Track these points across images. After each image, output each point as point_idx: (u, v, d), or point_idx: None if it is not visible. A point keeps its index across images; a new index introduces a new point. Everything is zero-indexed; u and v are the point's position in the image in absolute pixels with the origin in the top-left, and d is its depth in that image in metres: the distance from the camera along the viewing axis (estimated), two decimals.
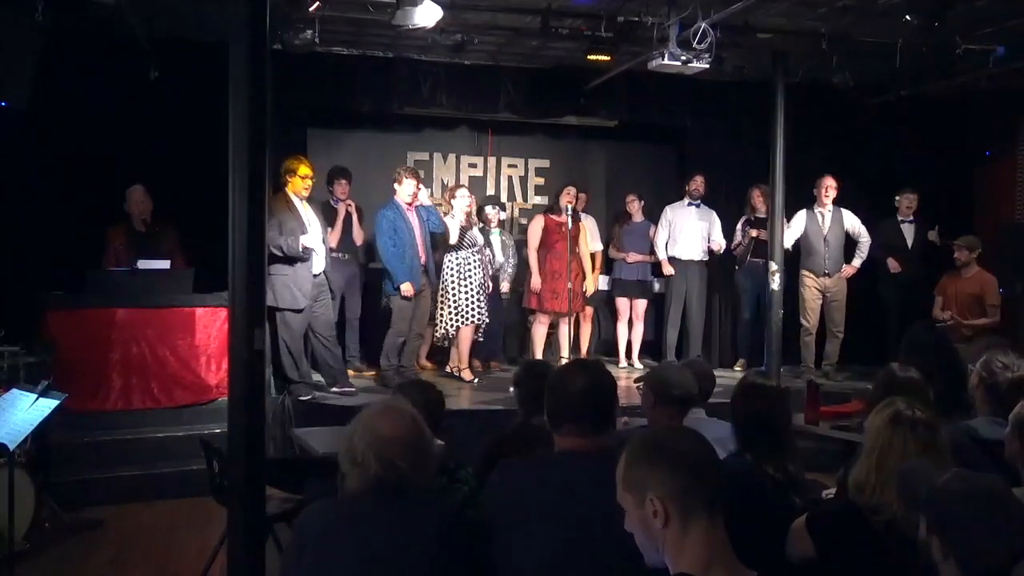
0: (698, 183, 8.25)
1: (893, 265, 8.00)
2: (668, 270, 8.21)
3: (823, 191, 7.82)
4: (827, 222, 7.84)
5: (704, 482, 1.76)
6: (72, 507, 5.23)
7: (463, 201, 7.34)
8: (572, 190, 7.83)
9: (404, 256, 6.84)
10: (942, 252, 7.72)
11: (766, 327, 7.48)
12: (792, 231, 7.77)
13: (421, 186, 7.16)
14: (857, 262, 7.94)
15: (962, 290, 7.12)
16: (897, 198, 8.08)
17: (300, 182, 6.55)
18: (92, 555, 4.81)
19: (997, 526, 1.79)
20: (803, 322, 7.90)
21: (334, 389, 6.71)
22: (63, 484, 5.39)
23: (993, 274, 7.20)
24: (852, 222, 7.90)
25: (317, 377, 6.89)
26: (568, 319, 7.48)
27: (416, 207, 7.02)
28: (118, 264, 6.52)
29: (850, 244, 7.99)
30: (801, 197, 7.92)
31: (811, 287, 7.88)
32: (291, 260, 6.41)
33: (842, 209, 7.89)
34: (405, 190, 6.97)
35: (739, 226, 8.35)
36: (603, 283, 8.47)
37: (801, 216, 7.85)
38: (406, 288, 6.80)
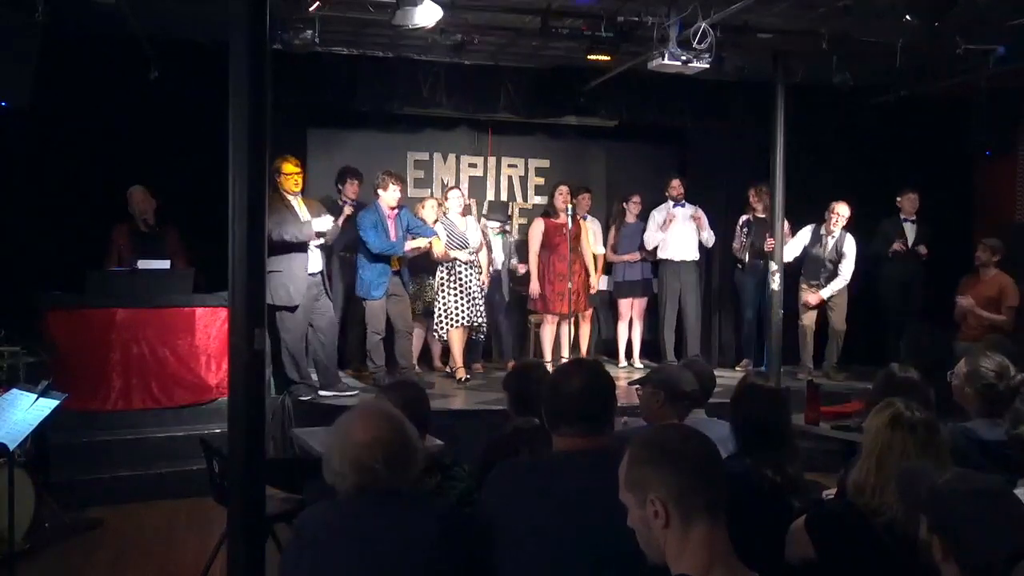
0: (676, 186, 8.23)
1: (898, 245, 7.98)
2: (664, 231, 8.08)
3: (833, 219, 7.70)
4: (830, 247, 7.80)
5: (706, 484, 1.75)
6: (72, 507, 5.23)
7: (456, 203, 7.37)
8: (564, 189, 7.82)
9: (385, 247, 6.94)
10: (943, 252, 7.73)
11: (766, 327, 7.49)
12: (793, 246, 7.74)
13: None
14: (840, 284, 7.79)
15: (980, 293, 6.94)
16: (899, 199, 8.08)
17: (288, 179, 6.54)
18: (92, 555, 4.82)
19: (998, 526, 1.79)
20: (799, 321, 7.89)
21: (326, 393, 6.65)
22: (63, 484, 5.40)
23: (1013, 278, 7.00)
24: (849, 249, 7.77)
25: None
26: (568, 319, 7.49)
27: (397, 215, 7.04)
28: (120, 263, 6.54)
29: None
30: (801, 198, 7.93)
31: (808, 290, 7.89)
32: (289, 251, 6.38)
33: (847, 234, 7.77)
34: (390, 195, 6.98)
35: (739, 226, 8.34)
36: (603, 283, 8.47)
37: (806, 232, 7.78)
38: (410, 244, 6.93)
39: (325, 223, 6.62)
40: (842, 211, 7.70)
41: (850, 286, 7.94)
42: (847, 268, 7.78)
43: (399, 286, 7.15)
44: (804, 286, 7.89)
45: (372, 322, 7.02)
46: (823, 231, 7.82)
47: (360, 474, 2.15)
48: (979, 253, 7.06)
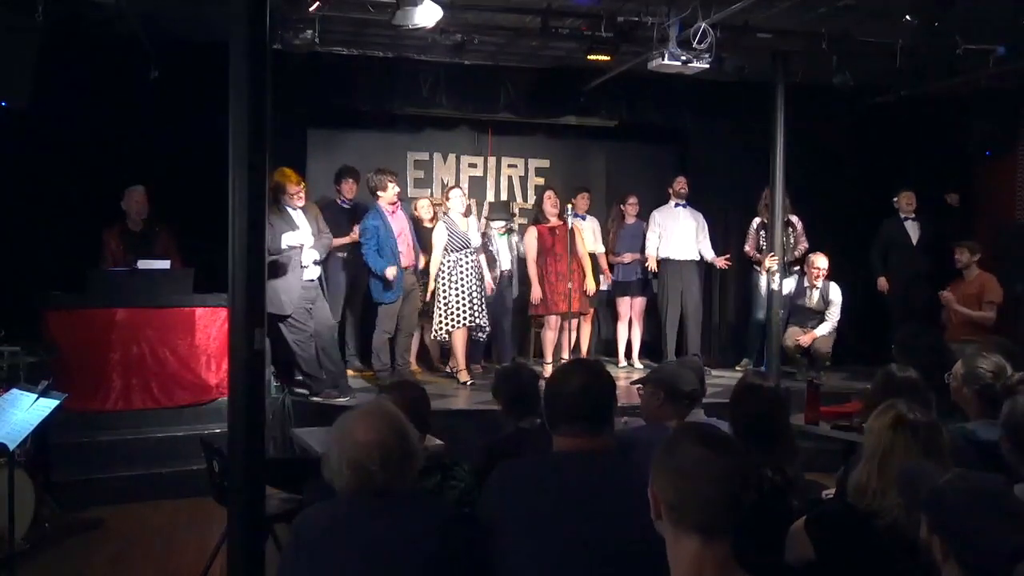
0: (681, 183, 8.24)
1: (882, 284, 8.06)
2: (653, 266, 8.17)
3: (814, 272, 7.70)
4: (815, 298, 7.78)
5: (700, 507, 1.66)
6: (72, 507, 5.23)
7: (458, 202, 7.37)
8: (551, 193, 7.81)
9: (387, 258, 6.87)
10: (947, 249, 7.72)
11: (767, 327, 7.48)
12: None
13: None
14: (827, 328, 7.76)
15: (965, 292, 7.12)
16: (896, 198, 8.09)
17: (291, 199, 6.47)
18: (92, 555, 4.81)
19: (998, 526, 1.79)
20: (784, 343, 7.79)
21: (317, 397, 6.61)
22: (63, 484, 5.39)
23: (995, 276, 7.18)
24: (835, 296, 7.77)
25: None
26: (568, 320, 7.47)
27: (396, 211, 7.02)
28: (114, 264, 6.51)
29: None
30: (801, 197, 7.93)
31: (798, 331, 7.82)
32: (283, 264, 6.31)
33: (831, 283, 7.77)
34: (390, 193, 6.97)
35: (755, 228, 8.29)
36: (604, 283, 8.47)
37: (789, 283, 7.77)
38: (390, 271, 6.83)
39: (316, 252, 6.52)
40: (821, 264, 7.69)
41: (851, 282, 7.97)
42: (835, 314, 7.76)
43: (413, 283, 7.13)
44: (794, 329, 7.82)
45: (384, 322, 7.00)
46: (806, 283, 7.82)
47: (356, 474, 2.15)
48: (958, 256, 7.21)
